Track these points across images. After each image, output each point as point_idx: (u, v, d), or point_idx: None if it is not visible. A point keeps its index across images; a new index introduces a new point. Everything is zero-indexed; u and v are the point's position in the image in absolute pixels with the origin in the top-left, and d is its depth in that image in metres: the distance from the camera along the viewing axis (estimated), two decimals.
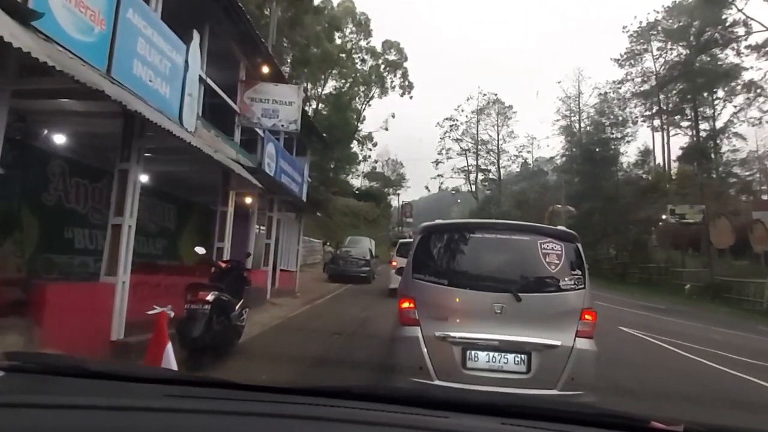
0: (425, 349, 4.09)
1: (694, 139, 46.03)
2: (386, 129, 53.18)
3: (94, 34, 5.25)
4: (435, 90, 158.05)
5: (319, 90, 47.03)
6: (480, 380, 3.93)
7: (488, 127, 66.54)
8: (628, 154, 48.82)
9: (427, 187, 71.18)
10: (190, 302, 5.66)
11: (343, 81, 48.40)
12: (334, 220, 43.94)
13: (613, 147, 44.47)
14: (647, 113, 51.02)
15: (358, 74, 48.65)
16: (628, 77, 51.39)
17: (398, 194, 69.55)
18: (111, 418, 1.02)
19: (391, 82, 51.42)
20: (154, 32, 6.36)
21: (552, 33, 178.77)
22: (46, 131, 7.37)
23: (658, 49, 49.70)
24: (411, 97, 52.71)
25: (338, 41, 45.89)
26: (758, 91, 42.26)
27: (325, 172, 46.99)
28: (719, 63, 42.82)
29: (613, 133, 45.83)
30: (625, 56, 51.34)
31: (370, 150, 56.95)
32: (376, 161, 63.60)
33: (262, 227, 13.35)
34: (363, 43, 49.71)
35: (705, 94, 45.14)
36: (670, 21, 48.19)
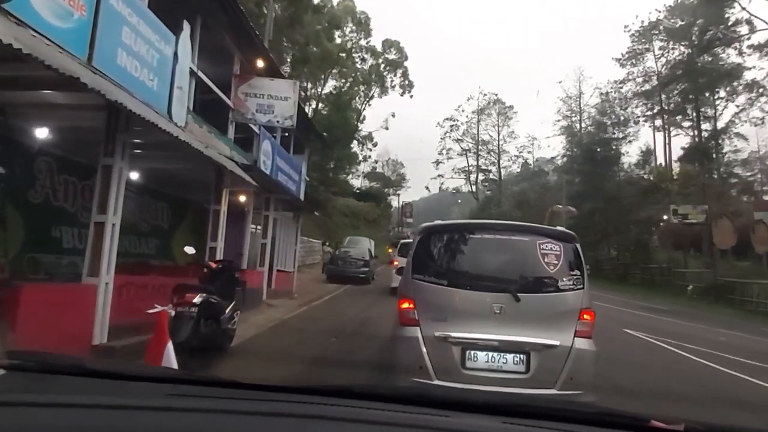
0: (425, 349, 4.10)
1: (695, 139, 45.76)
2: (386, 128, 52.94)
3: (73, 20, 4.96)
4: (435, 90, 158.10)
5: (319, 89, 46.78)
6: (479, 380, 3.95)
7: (489, 127, 66.52)
8: (630, 154, 48.78)
9: (427, 188, 71.13)
10: (175, 305, 5.37)
11: (343, 80, 48.12)
12: (333, 221, 43.69)
13: (614, 147, 44.16)
14: (648, 113, 50.74)
15: (357, 73, 48.33)
16: (630, 77, 51.14)
17: (398, 194, 69.47)
18: (112, 416, 1.02)
19: (391, 81, 51.24)
20: (141, 21, 6.07)
21: (552, 33, 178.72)
22: (30, 126, 7.08)
23: (659, 48, 49.37)
24: (411, 96, 52.51)
25: (338, 40, 45.62)
26: (760, 90, 42.02)
27: (325, 172, 46.78)
28: (721, 63, 42.53)
29: (614, 133, 45.53)
30: (626, 56, 51.05)
31: (370, 150, 56.82)
32: (376, 161, 63.44)
33: (258, 227, 13.06)
34: (363, 42, 49.47)
35: (707, 94, 44.80)
36: (672, 20, 47.89)
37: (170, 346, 3.46)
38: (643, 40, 50.26)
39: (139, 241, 11.44)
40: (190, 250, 6.83)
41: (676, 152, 48.57)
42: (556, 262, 4.23)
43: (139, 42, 6.07)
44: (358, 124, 51.01)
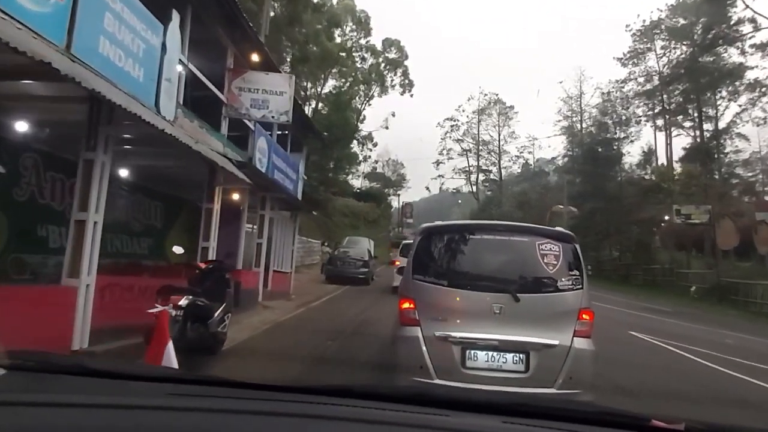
0: (425, 349, 4.14)
1: (697, 139, 45.47)
2: (386, 128, 52.56)
3: (50, 4, 4.65)
4: (436, 90, 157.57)
5: (319, 89, 46.48)
6: (479, 379, 3.97)
7: (489, 127, 66.26)
8: (632, 154, 48.55)
9: (427, 188, 70.97)
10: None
11: (343, 80, 47.81)
12: (333, 221, 43.44)
13: (615, 146, 43.90)
14: (650, 113, 50.44)
15: (357, 73, 48.00)
16: (631, 76, 50.79)
17: (398, 194, 69.20)
18: (112, 416, 1.02)
19: (391, 80, 50.89)
20: (124, 7, 5.75)
21: (553, 33, 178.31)
22: (13, 120, 6.79)
23: (661, 48, 49.06)
24: (411, 96, 52.19)
25: (338, 39, 45.32)
26: (763, 90, 41.71)
27: (325, 172, 46.54)
28: (723, 63, 42.24)
29: (616, 133, 45.26)
30: (628, 55, 50.71)
31: (371, 150, 56.48)
32: (376, 161, 63.12)
33: (253, 226, 12.75)
34: (363, 42, 49.14)
35: (708, 95, 44.48)
36: (674, 19, 47.59)
37: (170, 345, 3.44)
38: (645, 40, 49.95)
39: (131, 241, 11.14)
40: (178, 250, 6.53)
41: (677, 152, 48.28)
42: (555, 262, 4.26)
43: (123, 30, 5.76)
44: (358, 124, 50.71)
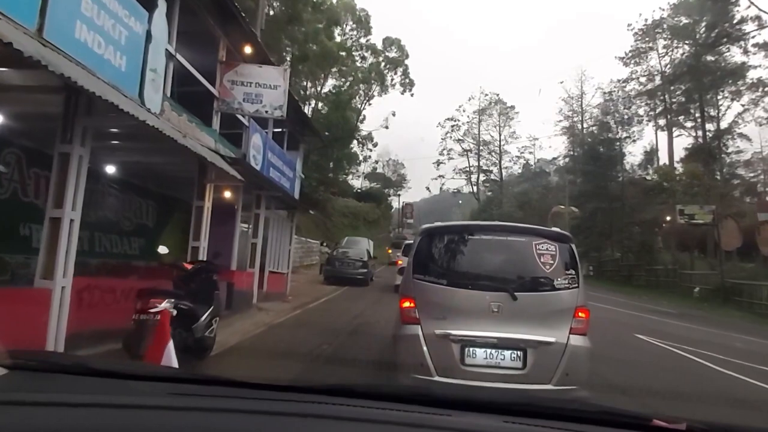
0: (425, 347, 4.22)
1: (698, 140, 45.21)
2: (386, 127, 52.15)
3: None
4: (436, 90, 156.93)
5: (319, 89, 46.12)
6: (478, 376, 4.06)
7: (490, 127, 66.29)
8: (634, 153, 48.14)
9: (428, 188, 70.94)
10: (138, 312, 4.70)
11: (343, 79, 47.46)
12: (333, 221, 43.15)
13: (617, 146, 43.53)
14: (652, 113, 50.10)
15: (358, 72, 47.60)
16: (633, 76, 50.51)
17: (399, 195, 69.04)
18: (114, 415, 1.02)
19: (392, 79, 50.49)
20: None
21: (553, 32, 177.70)
22: None
23: (663, 47, 48.74)
24: (412, 95, 51.86)
25: (338, 39, 44.96)
26: (766, 89, 41.38)
27: (325, 172, 46.25)
28: (725, 63, 41.93)
29: (618, 132, 44.93)
30: (630, 54, 50.41)
31: (371, 150, 56.19)
32: (376, 161, 62.91)
33: (248, 226, 12.39)
34: (363, 40, 48.76)
35: (710, 95, 44.14)
36: (676, 18, 47.28)
37: (171, 345, 3.45)
38: (647, 39, 49.65)
39: (121, 241, 10.79)
40: (163, 249, 6.17)
41: (678, 153, 47.99)
42: (552, 261, 4.36)
43: (103, 15, 5.40)
44: (359, 124, 50.35)
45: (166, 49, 7.07)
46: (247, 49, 9.64)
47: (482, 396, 1.48)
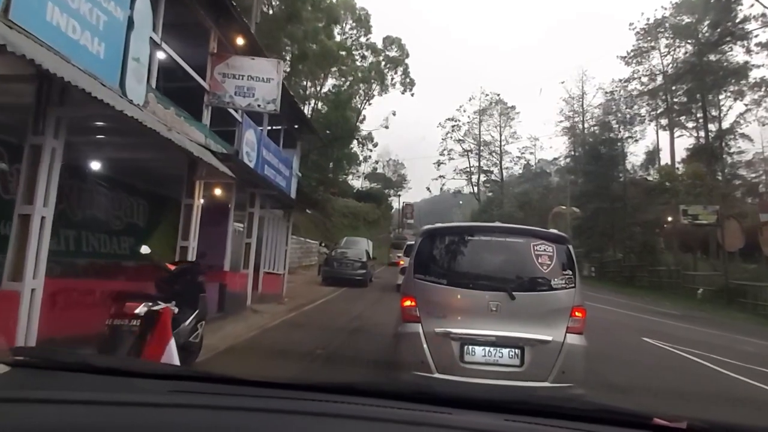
0: (426, 345, 4.33)
1: (699, 140, 44.97)
2: (386, 127, 51.79)
3: None
4: (436, 90, 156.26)
5: (319, 88, 45.81)
6: (477, 373, 4.18)
7: (491, 127, 66.20)
8: (636, 153, 47.78)
9: (428, 188, 70.74)
10: (113, 317, 4.33)
11: (343, 79, 47.11)
12: (333, 221, 42.87)
13: (619, 146, 43.17)
14: (653, 113, 49.75)
15: (357, 71, 47.22)
16: (635, 75, 50.16)
17: (399, 195, 68.80)
18: (116, 413, 1.03)
19: (392, 79, 50.10)
20: None
21: (554, 32, 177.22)
22: None
23: (665, 46, 48.40)
24: (412, 95, 51.44)
25: (338, 38, 44.64)
26: None
27: (324, 172, 45.96)
28: (727, 63, 41.60)
29: (620, 131, 44.59)
30: (631, 54, 50.06)
31: (371, 150, 55.92)
32: (376, 162, 62.66)
33: (243, 225, 12.02)
34: (363, 40, 48.40)
35: (711, 96, 43.79)
36: (678, 18, 46.94)
37: (173, 343, 3.42)
38: (649, 38, 49.32)
39: (110, 241, 10.41)
40: (145, 249, 5.79)
41: (679, 153, 47.73)
42: (549, 262, 4.46)
43: None
44: (359, 124, 50.04)
45: (151, 38, 6.70)
46: (240, 41, 9.25)
47: (483, 394, 1.48)
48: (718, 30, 39.19)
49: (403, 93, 51.07)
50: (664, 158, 49.08)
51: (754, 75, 41.32)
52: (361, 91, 49.09)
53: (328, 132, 43.23)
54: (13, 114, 6.14)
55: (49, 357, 1.36)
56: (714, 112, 44.77)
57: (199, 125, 8.54)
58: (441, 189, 68.69)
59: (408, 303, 4.58)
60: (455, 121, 65.23)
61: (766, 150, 46.99)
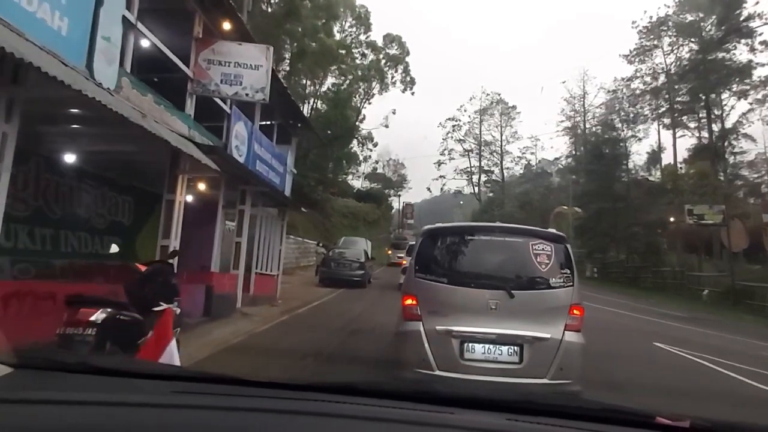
0: (427, 342, 4.39)
1: (701, 140, 44.48)
2: (386, 126, 51.13)
3: None
4: (437, 90, 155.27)
5: (318, 87, 45.28)
6: (476, 370, 4.24)
7: (491, 127, 65.92)
8: (639, 152, 47.36)
9: (428, 189, 70.34)
10: (65, 324, 3.79)
11: (343, 78, 46.54)
12: (332, 221, 42.36)
13: (622, 145, 42.63)
14: (656, 112, 49.20)
15: (357, 69, 46.63)
16: (638, 74, 49.59)
17: (399, 195, 68.34)
18: (118, 414, 1.03)
19: (392, 77, 49.42)
20: None
21: (556, 32, 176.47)
22: None
23: (669, 44, 47.82)
24: (413, 93, 50.61)
25: (337, 36, 44.10)
26: None
27: (324, 171, 45.46)
28: (730, 61, 41.07)
29: (623, 130, 44.08)
30: (634, 52, 49.49)
31: (371, 150, 55.36)
32: (376, 162, 62.12)
33: (233, 224, 11.46)
34: (363, 38, 47.79)
35: (713, 95, 43.26)
36: (682, 16, 46.39)
37: (174, 344, 3.34)
38: (651, 36, 48.76)
39: (93, 240, 9.86)
40: (114, 248, 5.25)
41: (681, 153, 47.24)
42: (548, 261, 4.54)
43: None
44: (359, 124, 49.51)
45: (125, 18, 6.14)
46: (227, 26, 8.65)
47: (485, 393, 1.47)
48: (724, 27, 38.61)
49: (403, 92, 50.38)
50: (666, 158, 48.70)
51: (759, 74, 40.81)
52: (360, 90, 48.49)
53: (329, 132, 42.90)
54: None
55: (51, 358, 1.36)
56: (717, 112, 44.28)
57: (182, 115, 7.98)
58: (441, 189, 68.49)
59: (409, 301, 4.64)
60: (456, 120, 65.13)
61: None
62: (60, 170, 8.41)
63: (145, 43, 7.69)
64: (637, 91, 49.10)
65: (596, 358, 8.29)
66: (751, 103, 42.57)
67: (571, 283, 4.54)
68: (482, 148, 65.53)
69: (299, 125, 14.49)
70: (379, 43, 48.55)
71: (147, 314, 4.63)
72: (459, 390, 1.71)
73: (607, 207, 38.54)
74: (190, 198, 9.94)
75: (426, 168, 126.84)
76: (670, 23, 47.20)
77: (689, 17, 45.53)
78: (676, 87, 46.30)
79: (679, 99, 47.06)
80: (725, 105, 44.08)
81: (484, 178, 66.71)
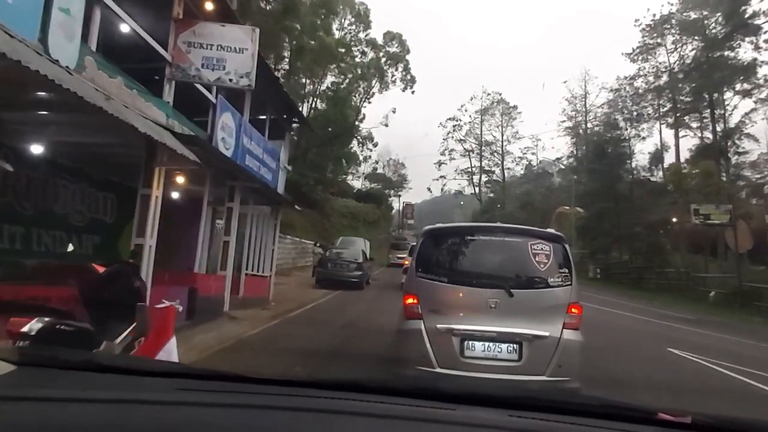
0: (427, 340, 4.47)
1: (702, 140, 43.99)
2: (386, 125, 50.38)
3: None
4: (437, 89, 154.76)
5: (317, 86, 44.72)
6: (476, 367, 4.32)
7: (492, 127, 65.69)
8: (643, 152, 46.88)
9: (429, 189, 70.10)
10: None
11: (342, 76, 45.95)
12: (331, 221, 41.82)
13: (624, 144, 42.04)
14: (659, 111, 48.64)
15: (357, 68, 46.02)
16: (641, 72, 49.06)
17: (399, 196, 67.90)
18: (122, 411, 1.03)
19: (392, 75, 48.78)
20: None
21: (556, 31, 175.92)
22: None
23: (672, 43, 47.24)
24: (413, 92, 49.94)
25: (336, 33, 43.53)
26: None
27: (323, 171, 44.93)
28: (735, 59, 40.53)
29: (626, 129, 43.53)
30: (637, 50, 48.92)
31: (371, 150, 54.88)
32: (377, 162, 61.72)
33: (222, 222, 10.83)
34: (362, 35, 47.17)
35: (716, 95, 42.68)
36: (686, 13, 45.81)
37: (173, 341, 3.20)
38: (655, 34, 48.18)
39: (69, 238, 9.25)
40: (70, 247, 4.63)
41: (683, 154, 46.80)
42: (546, 261, 4.61)
43: None
44: (358, 124, 48.96)
45: None
46: (209, 5, 8.01)
47: (487, 390, 1.47)
48: (732, 22, 38.02)
49: (403, 90, 49.73)
50: (668, 159, 48.23)
51: (764, 72, 40.29)
52: (360, 89, 47.88)
53: (330, 130, 42.37)
54: None
55: (54, 356, 1.34)
56: (719, 111, 43.73)
57: (159, 102, 7.33)
58: (442, 190, 68.21)
59: (410, 300, 4.70)
60: (457, 120, 64.83)
61: None
62: (31, 163, 7.78)
63: (119, 25, 7.10)
64: (641, 90, 48.64)
65: (611, 366, 7.72)
66: (755, 102, 42.12)
67: (569, 282, 4.61)
68: (483, 148, 65.40)
69: (293, 120, 13.86)
70: (379, 41, 47.97)
71: (107, 321, 4.00)
72: (461, 386, 1.65)
73: (610, 207, 37.92)
74: (176, 195, 9.35)
75: (426, 168, 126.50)
76: (674, 21, 46.69)
77: (693, 15, 45.06)
78: (680, 85, 45.81)
79: (681, 98, 46.60)
80: (728, 104, 43.69)
81: (484, 178, 66.54)
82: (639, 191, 39.01)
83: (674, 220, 34.01)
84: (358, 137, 50.92)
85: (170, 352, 3.18)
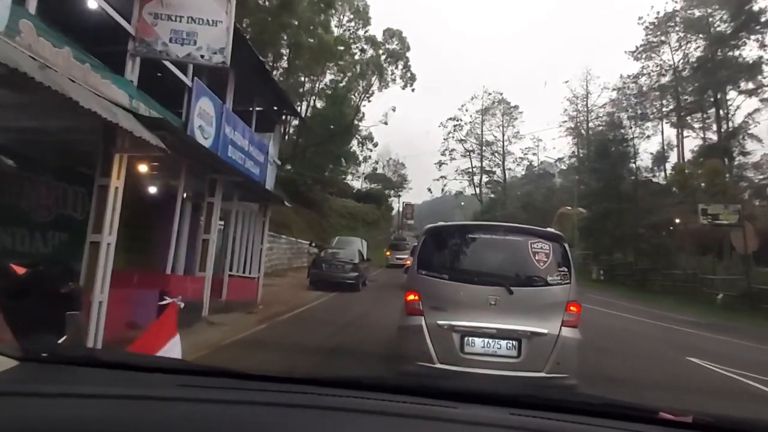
0: (428, 336, 4.56)
1: (705, 140, 43.42)
2: (386, 123, 49.79)
3: None
4: (438, 88, 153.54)
5: (317, 85, 44.09)
6: (476, 363, 4.41)
7: (493, 127, 65.39)
8: (647, 151, 46.16)
9: (429, 189, 69.68)
10: None
11: (341, 75, 45.25)
12: (330, 221, 41.05)
13: (629, 143, 41.28)
14: (663, 110, 47.97)
15: (356, 65, 45.27)
16: (645, 71, 48.40)
17: (399, 196, 67.26)
18: (124, 407, 1.03)
19: (392, 73, 48.00)
20: None
21: (557, 31, 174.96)
22: None
23: (676, 41, 46.56)
24: (413, 90, 49.17)
25: (335, 30, 42.78)
26: None
27: (321, 170, 44.26)
28: (741, 58, 39.89)
29: (630, 127, 42.82)
30: (640, 49, 48.26)
31: (371, 150, 54.26)
32: (376, 162, 61.16)
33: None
34: (361, 32, 46.45)
35: (719, 95, 41.99)
36: (690, 11, 45.13)
37: (177, 338, 2.92)
38: (659, 33, 47.49)
39: (32, 237, 8.44)
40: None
41: (686, 155, 46.11)
42: (546, 259, 4.71)
43: None
44: (358, 123, 48.30)
45: None
46: None
47: (488, 388, 1.46)
48: (742, 18, 37.30)
49: (403, 88, 48.93)
50: (672, 159, 47.58)
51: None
52: (360, 87, 47.15)
53: (331, 127, 41.69)
54: None
55: (57, 351, 1.34)
56: (723, 111, 43.06)
57: (120, 80, 6.49)
58: (442, 190, 67.72)
59: (411, 297, 4.77)
60: (457, 120, 64.30)
61: None
62: None
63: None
64: (644, 89, 48.00)
65: (627, 376, 6.94)
66: (761, 101, 41.43)
67: (568, 281, 4.67)
68: (484, 148, 65.03)
69: (284, 112, 13.02)
70: (379, 38, 47.24)
71: (29, 334, 3.16)
72: (462, 384, 1.62)
73: (613, 207, 37.14)
74: (147, 188, 8.54)
75: (427, 168, 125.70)
76: (678, 19, 46.09)
77: (697, 12, 44.42)
78: (684, 84, 45.16)
79: (685, 97, 45.97)
80: (731, 104, 43.10)
81: (485, 178, 66.08)
82: (643, 191, 38.22)
83: (677, 221, 33.26)
84: (358, 137, 50.46)
85: (173, 349, 3.01)
